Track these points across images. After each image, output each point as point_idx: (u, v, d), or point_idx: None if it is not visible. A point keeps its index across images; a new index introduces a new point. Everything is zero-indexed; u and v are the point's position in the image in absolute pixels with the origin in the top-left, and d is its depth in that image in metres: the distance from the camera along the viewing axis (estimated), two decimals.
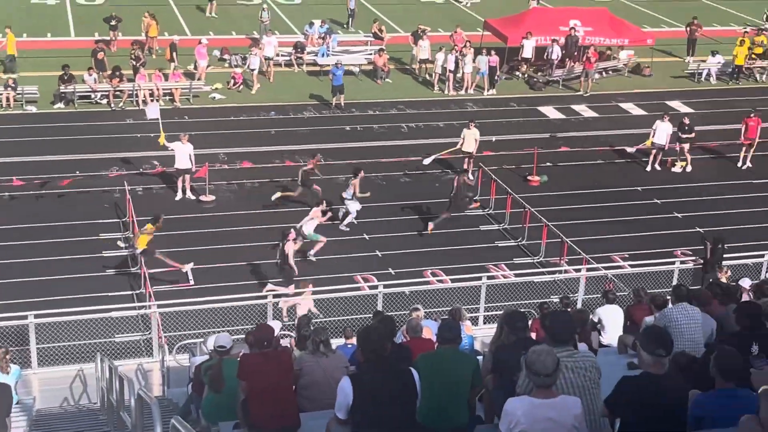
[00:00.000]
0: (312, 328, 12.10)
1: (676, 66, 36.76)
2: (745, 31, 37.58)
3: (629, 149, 27.76)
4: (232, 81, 32.40)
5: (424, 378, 7.10)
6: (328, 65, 33.36)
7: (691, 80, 35.60)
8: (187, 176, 23.97)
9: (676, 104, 32.68)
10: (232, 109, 30.52)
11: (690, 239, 22.27)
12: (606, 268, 19.83)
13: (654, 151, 27.15)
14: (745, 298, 13.62)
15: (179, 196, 24.02)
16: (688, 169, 27.22)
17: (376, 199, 23.81)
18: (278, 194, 23.44)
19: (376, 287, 18.62)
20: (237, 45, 35.70)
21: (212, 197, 24.09)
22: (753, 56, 36.21)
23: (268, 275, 20.11)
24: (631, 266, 20.22)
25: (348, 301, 18.20)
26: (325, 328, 10.63)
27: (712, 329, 10.63)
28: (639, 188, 25.90)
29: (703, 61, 35.83)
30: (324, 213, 21.46)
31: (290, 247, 19.19)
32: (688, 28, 37.65)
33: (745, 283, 15.96)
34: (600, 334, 14.98)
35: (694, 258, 20.63)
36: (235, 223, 22.62)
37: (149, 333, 17.17)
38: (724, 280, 16.34)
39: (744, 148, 27.77)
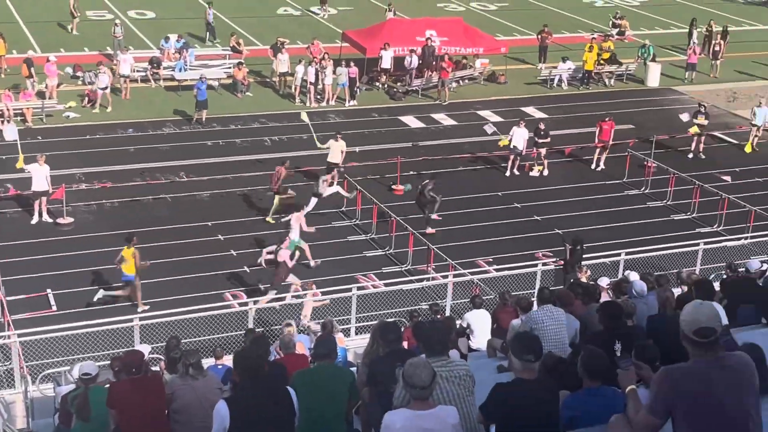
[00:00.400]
0: (181, 350, 11.90)
1: (529, 73, 37.82)
2: (593, 38, 38.99)
3: (488, 127, 28.38)
4: (86, 99, 31.53)
5: (301, 396, 7.07)
6: (186, 80, 32.88)
7: (544, 86, 36.69)
8: (44, 198, 23.16)
9: (531, 110, 33.61)
10: (87, 127, 29.66)
11: (550, 241, 22.94)
12: (472, 273, 20.21)
13: (512, 157, 27.87)
14: (604, 296, 14.14)
15: (35, 219, 23.17)
16: (545, 173, 28.06)
17: (241, 214, 23.69)
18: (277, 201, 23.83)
19: (246, 304, 18.44)
20: (90, 62, 34.71)
21: (70, 219, 23.34)
22: (601, 62, 37.59)
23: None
24: (496, 270, 20.67)
25: (217, 320, 17.93)
26: (197, 350, 10.46)
27: (575, 329, 11.00)
28: (499, 193, 26.51)
29: (555, 67, 36.98)
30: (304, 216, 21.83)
31: (285, 255, 19.48)
32: (539, 36, 38.78)
33: (603, 282, 16.56)
34: (469, 338, 15.29)
35: (554, 259, 21.26)
36: (95, 245, 21.90)
37: (10, 363, 16.47)
38: (584, 279, 16.88)
39: (598, 151, 28.77)
